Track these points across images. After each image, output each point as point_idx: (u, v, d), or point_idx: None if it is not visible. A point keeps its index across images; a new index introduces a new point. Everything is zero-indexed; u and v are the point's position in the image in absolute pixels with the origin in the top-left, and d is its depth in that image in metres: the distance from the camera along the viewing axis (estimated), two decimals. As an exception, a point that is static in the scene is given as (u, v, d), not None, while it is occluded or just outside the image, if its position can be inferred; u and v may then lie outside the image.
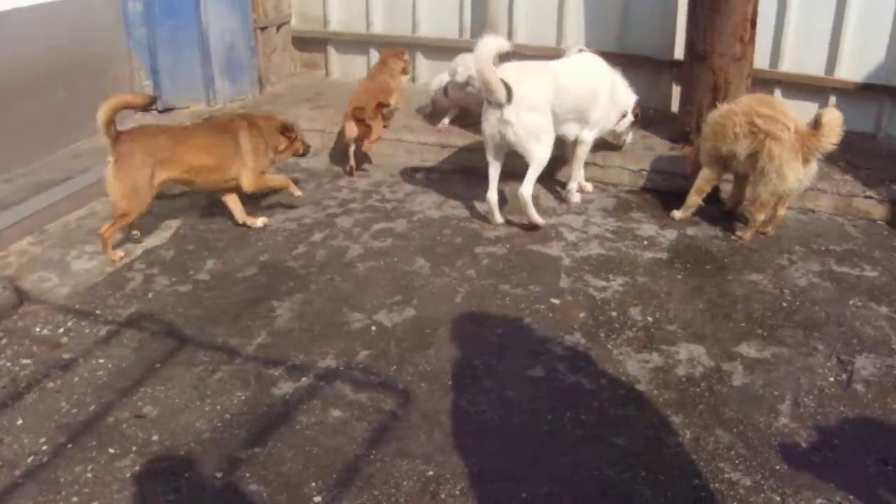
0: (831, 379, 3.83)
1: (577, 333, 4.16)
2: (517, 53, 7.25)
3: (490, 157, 5.17)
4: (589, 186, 5.85)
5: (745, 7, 5.68)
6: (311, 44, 8.15)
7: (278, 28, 7.82)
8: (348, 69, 8.15)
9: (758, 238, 5.17)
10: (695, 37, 5.88)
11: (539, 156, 5.05)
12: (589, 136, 5.49)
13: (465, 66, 6.08)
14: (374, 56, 7.82)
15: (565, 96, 5.14)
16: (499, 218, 5.29)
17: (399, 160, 6.40)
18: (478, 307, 4.39)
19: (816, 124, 4.78)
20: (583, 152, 5.58)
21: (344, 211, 5.54)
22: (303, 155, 5.57)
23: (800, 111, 5.98)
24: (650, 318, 4.30)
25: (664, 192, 5.80)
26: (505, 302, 4.44)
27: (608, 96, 5.46)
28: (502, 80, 4.83)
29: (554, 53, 6.83)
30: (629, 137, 6.17)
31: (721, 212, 5.52)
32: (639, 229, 5.30)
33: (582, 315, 4.33)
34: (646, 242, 5.12)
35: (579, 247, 5.05)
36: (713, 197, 5.50)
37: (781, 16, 6.49)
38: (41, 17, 5.95)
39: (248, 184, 5.15)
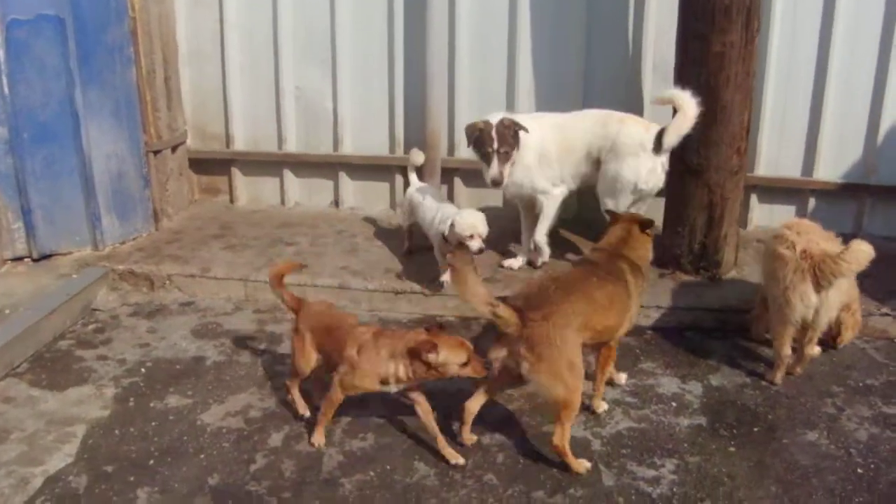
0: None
1: (653, 555, 3.22)
2: (460, 170, 6.47)
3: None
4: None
5: (741, 114, 4.99)
6: (212, 165, 6.96)
7: (174, 150, 6.63)
8: (257, 194, 7.03)
9: (787, 379, 4.46)
10: (685, 149, 5.13)
11: None
12: None
13: None
14: (288, 178, 6.78)
15: None
16: None
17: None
18: (517, 529, 3.36)
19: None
20: None
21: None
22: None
23: (778, 215, 5.80)
24: (729, 517, 3.42)
25: (666, 328, 5.02)
26: (547, 517, 3.43)
27: None
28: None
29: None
30: None
31: (737, 350, 4.79)
32: (659, 386, 4.44)
33: (648, 527, 3.38)
34: (674, 404, 4.25)
35: (603, 421, 4.10)
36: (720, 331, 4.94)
37: (756, 119, 5.90)
38: None
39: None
